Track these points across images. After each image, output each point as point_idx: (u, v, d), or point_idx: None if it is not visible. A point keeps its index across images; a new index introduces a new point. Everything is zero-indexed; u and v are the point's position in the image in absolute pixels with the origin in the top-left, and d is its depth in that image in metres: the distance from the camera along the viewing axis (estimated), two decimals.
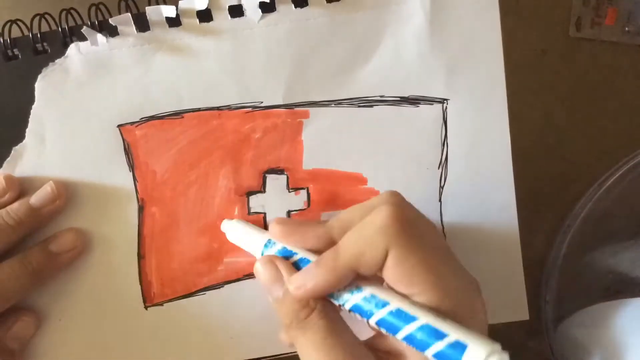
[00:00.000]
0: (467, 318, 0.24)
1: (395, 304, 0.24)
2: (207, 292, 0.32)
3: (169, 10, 0.29)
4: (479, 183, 0.31)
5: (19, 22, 0.29)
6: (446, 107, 0.30)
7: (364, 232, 0.25)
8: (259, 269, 0.28)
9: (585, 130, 0.35)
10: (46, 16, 0.29)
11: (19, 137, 0.31)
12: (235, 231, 0.31)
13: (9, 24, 0.30)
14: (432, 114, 0.30)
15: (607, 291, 0.31)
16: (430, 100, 0.30)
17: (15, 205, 0.30)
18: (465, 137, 0.31)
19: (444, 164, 0.31)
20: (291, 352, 0.32)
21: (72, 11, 0.29)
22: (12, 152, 0.32)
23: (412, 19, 0.29)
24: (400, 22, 0.30)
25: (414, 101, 0.30)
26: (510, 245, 0.32)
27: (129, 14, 0.29)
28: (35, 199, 0.30)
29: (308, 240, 0.27)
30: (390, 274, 0.24)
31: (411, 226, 0.25)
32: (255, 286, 0.32)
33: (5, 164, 0.32)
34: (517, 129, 0.30)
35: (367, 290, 0.25)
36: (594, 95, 0.35)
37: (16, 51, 0.31)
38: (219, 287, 0.32)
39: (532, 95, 0.35)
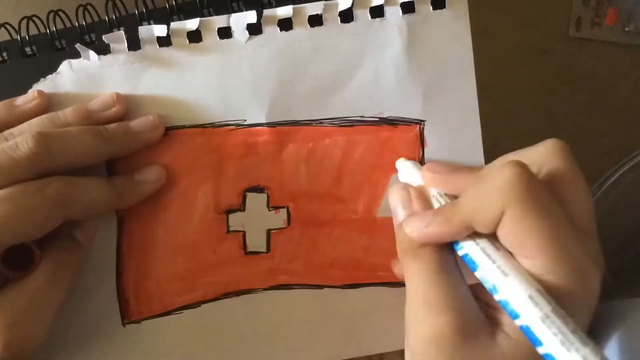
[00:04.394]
0: (574, 297, 0.23)
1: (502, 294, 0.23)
2: (184, 311, 0.32)
3: (160, 30, 0.31)
4: None
5: (7, 25, 0.31)
6: (423, 128, 0.32)
7: (482, 188, 0.24)
8: (392, 192, 0.29)
9: (586, 130, 0.35)
10: (34, 18, 0.30)
11: None
12: (406, 173, 0.31)
13: None
14: (410, 135, 0.32)
15: (607, 292, 0.31)
16: (408, 122, 0.32)
17: (114, 124, 0.30)
18: (441, 157, 0.32)
19: None
20: None
21: (60, 12, 0.30)
22: None
23: (391, 45, 0.31)
24: (380, 48, 0.31)
25: (392, 122, 0.32)
26: None
27: (122, 32, 0.31)
28: (134, 122, 0.30)
29: (460, 188, 0.27)
30: (504, 234, 0.24)
31: (534, 189, 0.23)
32: (232, 306, 0.32)
33: None
34: (518, 129, 0.31)
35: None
36: (594, 95, 0.36)
37: (5, 55, 0.32)
38: (196, 307, 0.32)
39: (532, 95, 0.35)
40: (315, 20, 0.31)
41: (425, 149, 0.32)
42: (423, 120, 0.32)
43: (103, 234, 0.32)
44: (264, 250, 0.32)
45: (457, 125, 0.31)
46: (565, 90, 0.36)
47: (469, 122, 0.31)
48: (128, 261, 0.32)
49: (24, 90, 0.31)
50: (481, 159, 0.31)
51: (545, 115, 0.36)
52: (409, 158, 0.32)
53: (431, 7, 0.31)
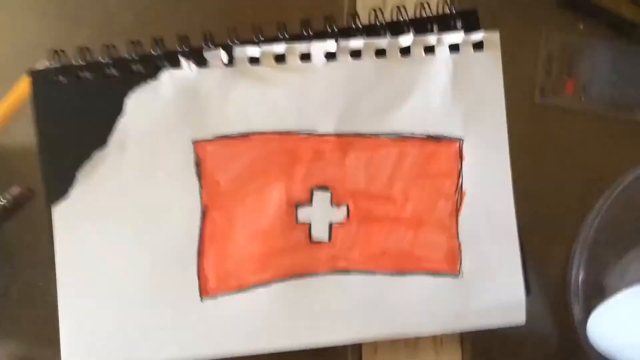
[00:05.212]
0: None
1: None
2: (257, 289, 0.37)
3: (254, 51, 0.37)
4: (486, 203, 0.38)
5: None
6: (462, 145, 0.39)
7: None
8: None
9: (550, 188, 0.41)
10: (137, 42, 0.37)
11: (101, 143, 0.37)
12: None
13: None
14: (451, 150, 0.39)
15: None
16: (449, 139, 0.39)
17: None
18: (476, 169, 0.38)
19: (459, 189, 0.38)
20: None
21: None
22: (94, 156, 0.37)
23: (439, 76, 0.38)
24: (430, 78, 0.38)
25: (437, 138, 0.39)
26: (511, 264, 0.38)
27: (220, 50, 0.37)
28: None
29: None
30: None
31: None
32: (298, 285, 0.37)
33: (86, 167, 0.36)
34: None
35: None
36: (555, 156, 0.41)
37: (114, 70, 0.37)
38: (267, 285, 0.37)
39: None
40: (381, 53, 0.38)
41: (463, 162, 0.39)
42: (462, 138, 0.39)
43: (188, 220, 0.37)
44: (326, 239, 0.38)
45: (489, 143, 0.38)
46: (532, 152, 0.41)
47: (499, 142, 0.38)
48: (209, 244, 0.37)
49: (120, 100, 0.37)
50: (508, 170, 0.38)
51: (517, 174, 0.40)
52: (449, 167, 0.39)
53: (472, 49, 0.38)
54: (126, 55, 0.37)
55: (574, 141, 0.42)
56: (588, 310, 0.37)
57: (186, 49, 0.37)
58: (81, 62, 0.36)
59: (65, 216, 0.36)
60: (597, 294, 0.37)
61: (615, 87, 0.43)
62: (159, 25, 0.40)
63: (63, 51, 0.37)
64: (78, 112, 0.36)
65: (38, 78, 0.36)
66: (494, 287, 0.38)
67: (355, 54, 0.38)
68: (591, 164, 0.42)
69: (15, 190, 0.37)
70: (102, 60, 0.37)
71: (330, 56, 0.38)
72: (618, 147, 0.42)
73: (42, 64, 0.37)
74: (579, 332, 0.37)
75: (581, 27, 0.42)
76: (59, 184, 0.36)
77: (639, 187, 0.38)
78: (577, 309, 0.37)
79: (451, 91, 0.39)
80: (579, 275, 0.38)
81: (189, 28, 0.38)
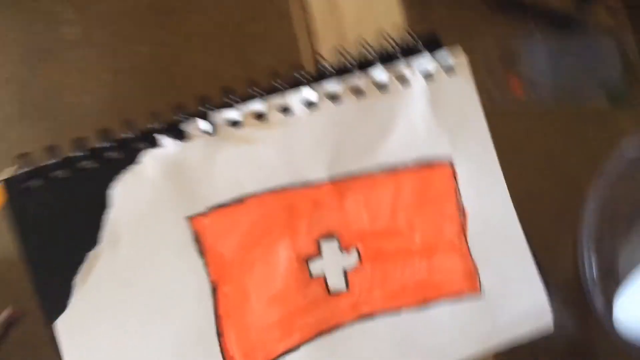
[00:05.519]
0: None
1: None
2: (287, 357, 0.35)
3: (234, 114, 0.36)
4: (489, 217, 0.39)
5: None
6: (454, 166, 0.39)
7: None
8: None
9: (532, 190, 0.41)
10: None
11: (93, 243, 0.34)
12: None
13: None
14: (445, 171, 0.39)
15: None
16: (441, 161, 0.39)
17: None
18: (472, 186, 0.39)
19: (461, 209, 0.38)
20: None
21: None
22: (86, 258, 0.34)
23: (418, 104, 0.38)
24: (409, 108, 0.38)
25: (429, 164, 0.38)
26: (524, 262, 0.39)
27: (198, 120, 0.35)
28: None
29: None
30: None
31: None
32: (327, 342, 0.36)
33: (81, 269, 0.34)
34: None
35: None
36: (525, 158, 0.42)
37: (90, 162, 0.35)
38: (296, 350, 0.35)
39: None
40: (359, 92, 0.38)
41: (459, 182, 0.39)
42: (453, 160, 0.39)
43: (200, 300, 0.35)
44: (344, 288, 0.37)
45: (480, 159, 0.39)
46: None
47: (488, 156, 0.39)
48: (227, 321, 0.35)
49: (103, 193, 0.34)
50: (503, 183, 0.39)
51: None
52: (446, 190, 0.39)
53: (444, 74, 0.39)
54: (99, 144, 0.35)
55: (537, 140, 0.43)
56: (608, 299, 0.38)
57: (161, 125, 0.36)
58: (53, 161, 0.34)
59: (69, 329, 0.33)
60: (613, 281, 0.38)
61: (561, 79, 0.44)
62: (123, 106, 0.38)
63: (28, 154, 0.34)
64: (61, 215, 0.34)
65: (11, 186, 0.33)
66: (517, 298, 0.38)
67: (334, 97, 0.38)
68: (562, 157, 0.43)
69: (6, 313, 0.34)
70: (75, 155, 0.34)
71: (310, 105, 0.37)
72: (581, 135, 0.44)
73: (10, 171, 0.34)
74: (604, 322, 0.38)
75: (531, 25, 0.44)
76: (56, 298, 0.33)
77: (624, 168, 0.39)
78: (598, 301, 0.38)
79: (433, 117, 0.39)
80: (592, 267, 0.38)
81: (155, 102, 0.36)
